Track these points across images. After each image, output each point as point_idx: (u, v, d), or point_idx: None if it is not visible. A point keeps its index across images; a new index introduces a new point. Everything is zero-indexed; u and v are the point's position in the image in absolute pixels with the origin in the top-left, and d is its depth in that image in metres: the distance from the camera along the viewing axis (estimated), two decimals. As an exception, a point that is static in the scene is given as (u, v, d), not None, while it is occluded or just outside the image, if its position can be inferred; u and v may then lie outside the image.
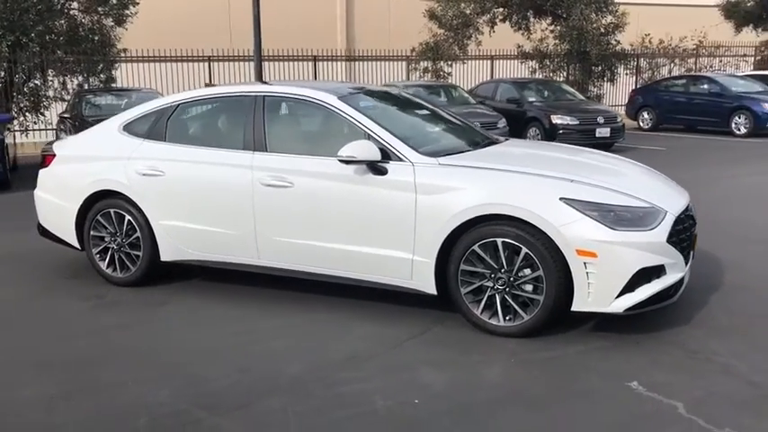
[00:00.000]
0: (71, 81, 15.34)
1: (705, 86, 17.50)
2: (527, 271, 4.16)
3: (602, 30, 19.33)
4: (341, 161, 4.48)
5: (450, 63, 19.92)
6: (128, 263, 5.41)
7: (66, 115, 12.75)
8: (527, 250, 4.10)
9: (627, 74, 21.24)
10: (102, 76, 15.82)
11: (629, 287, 4.02)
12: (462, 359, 4.01)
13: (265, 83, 6.48)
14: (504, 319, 4.25)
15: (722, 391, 3.55)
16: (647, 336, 4.26)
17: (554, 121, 13.75)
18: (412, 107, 5.68)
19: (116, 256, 5.44)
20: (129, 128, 5.50)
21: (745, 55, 24.40)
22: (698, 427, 3.19)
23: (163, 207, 5.20)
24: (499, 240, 4.17)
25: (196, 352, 4.21)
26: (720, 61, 23.73)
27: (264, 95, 5.04)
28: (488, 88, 16.27)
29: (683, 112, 17.70)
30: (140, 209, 5.27)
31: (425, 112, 5.68)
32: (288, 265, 4.90)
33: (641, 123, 18.55)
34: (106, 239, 5.46)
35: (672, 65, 22.86)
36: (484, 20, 19.86)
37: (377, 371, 3.86)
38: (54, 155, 5.76)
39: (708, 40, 23.12)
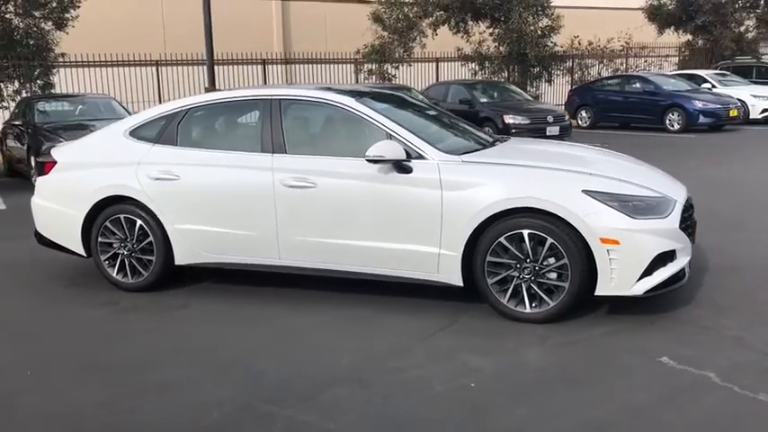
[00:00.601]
0: (6, 87, 14.83)
1: (639, 85, 18.41)
2: (551, 260, 4.42)
3: (540, 32, 20.07)
4: (369, 161, 4.63)
5: (395, 65, 20.21)
6: (139, 268, 5.40)
7: (16, 122, 12.28)
8: (552, 240, 4.36)
9: (558, 75, 22.08)
10: (39, 81, 15.36)
11: (648, 271, 4.34)
12: (498, 345, 4.23)
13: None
14: (531, 307, 4.50)
15: (744, 361, 3.90)
16: (659, 316, 4.59)
17: (507, 121, 14.22)
18: (419, 108, 5.87)
19: (127, 262, 5.42)
20: (135, 133, 5.48)
21: (668, 55, 25.72)
22: (735, 394, 3.51)
23: (178, 211, 5.22)
24: (525, 232, 4.42)
25: (237, 350, 4.28)
26: (646, 61, 24.95)
27: (281, 99, 5.13)
28: (440, 90, 16.65)
29: (618, 110, 18.56)
30: (153, 213, 5.27)
31: (432, 112, 5.89)
32: (310, 264, 5.01)
33: (580, 122, 19.33)
34: (115, 245, 5.43)
35: (601, 65, 23.89)
36: (427, 23, 20.27)
37: (423, 359, 4.04)
38: (54, 162, 5.67)
39: (633, 41, 24.28)
